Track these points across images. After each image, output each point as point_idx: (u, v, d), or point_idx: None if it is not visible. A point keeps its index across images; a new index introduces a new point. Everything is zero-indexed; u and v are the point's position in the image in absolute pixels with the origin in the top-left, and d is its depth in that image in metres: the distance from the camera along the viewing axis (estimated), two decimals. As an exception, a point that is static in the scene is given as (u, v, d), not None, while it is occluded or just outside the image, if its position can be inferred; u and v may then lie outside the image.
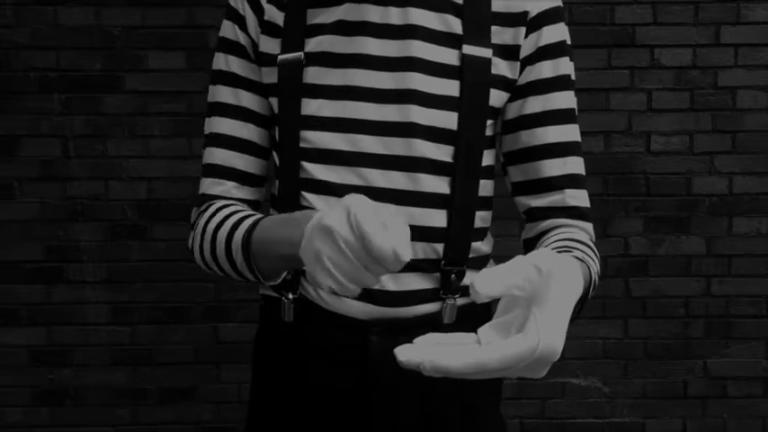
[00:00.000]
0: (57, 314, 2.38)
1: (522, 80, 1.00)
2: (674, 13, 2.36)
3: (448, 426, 1.02)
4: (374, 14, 0.97)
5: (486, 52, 0.97)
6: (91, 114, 2.34)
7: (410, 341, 0.66)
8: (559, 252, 0.89)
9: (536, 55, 0.99)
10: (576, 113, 1.03)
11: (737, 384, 2.45)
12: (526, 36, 0.99)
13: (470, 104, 0.97)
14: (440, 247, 0.98)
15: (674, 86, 2.38)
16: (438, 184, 0.97)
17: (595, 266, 0.91)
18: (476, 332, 0.68)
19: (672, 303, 2.43)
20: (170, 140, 2.35)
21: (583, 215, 1.02)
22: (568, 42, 1.02)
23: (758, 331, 2.43)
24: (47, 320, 2.38)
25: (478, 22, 0.98)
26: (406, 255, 0.69)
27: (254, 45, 1.01)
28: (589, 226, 1.02)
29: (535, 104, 1.00)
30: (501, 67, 0.99)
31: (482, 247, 1.04)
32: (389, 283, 0.97)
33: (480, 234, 1.04)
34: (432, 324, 0.96)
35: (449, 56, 0.97)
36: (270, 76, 1.01)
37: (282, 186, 1.01)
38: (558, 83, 1.00)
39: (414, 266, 0.97)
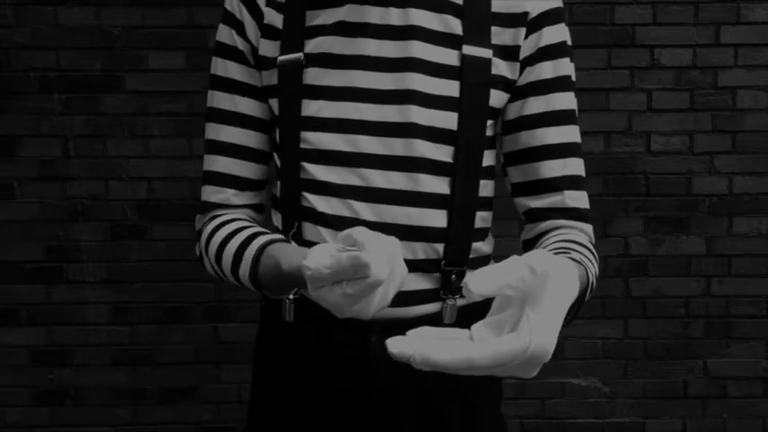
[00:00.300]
0: (57, 314, 2.38)
1: (523, 81, 1.00)
2: (674, 13, 2.36)
3: (447, 425, 1.02)
4: (374, 15, 0.97)
5: (486, 53, 0.97)
6: (91, 114, 2.34)
7: None
8: (557, 254, 0.89)
9: (536, 56, 0.99)
10: (577, 114, 1.03)
11: (737, 384, 2.45)
12: (526, 37, 0.99)
13: (470, 105, 0.97)
14: (440, 247, 0.99)
15: (674, 86, 2.38)
16: (438, 185, 0.97)
17: (593, 268, 0.91)
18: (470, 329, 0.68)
19: (672, 303, 2.43)
20: (170, 140, 2.35)
21: (582, 216, 1.02)
22: (569, 43, 1.02)
23: (758, 331, 2.43)
24: (47, 320, 2.38)
25: (478, 22, 0.98)
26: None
27: (254, 50, 1.01)
28: (588, 227, 1.02)
29: (535, 105, 1.00)
30: (501, 68, 0.99)
31: (483, 247, 1.04)
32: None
33: (481, 234, 1.04)
34: (432, 324, 0.95)
35: (449, 56, 0.97)
36: (270, 78, 1.01)
37: (283, 187, 1.02)
38: (559, 84, 1.00)
39: (414, 266, 0.97)
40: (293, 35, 0.99)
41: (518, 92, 1.01)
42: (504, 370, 0.64)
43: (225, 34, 1.03)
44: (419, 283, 0.99)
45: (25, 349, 2.39)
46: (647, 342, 2.44)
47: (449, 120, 0.97)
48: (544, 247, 0.95)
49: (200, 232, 1.06)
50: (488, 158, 1.02)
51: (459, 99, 0.97)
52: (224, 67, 1.03)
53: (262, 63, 1.01)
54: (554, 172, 1.01)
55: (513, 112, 1.02)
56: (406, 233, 0.96)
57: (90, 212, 2.36)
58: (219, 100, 1.04)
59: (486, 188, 1.02)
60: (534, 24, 0.98)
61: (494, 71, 0.98)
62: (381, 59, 0.96)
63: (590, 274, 0.87)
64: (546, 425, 2.45)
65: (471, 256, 1.01)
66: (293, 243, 0.96)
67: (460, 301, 0.99)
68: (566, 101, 1.01)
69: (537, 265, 0.64)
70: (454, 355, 0.63)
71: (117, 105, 2.34)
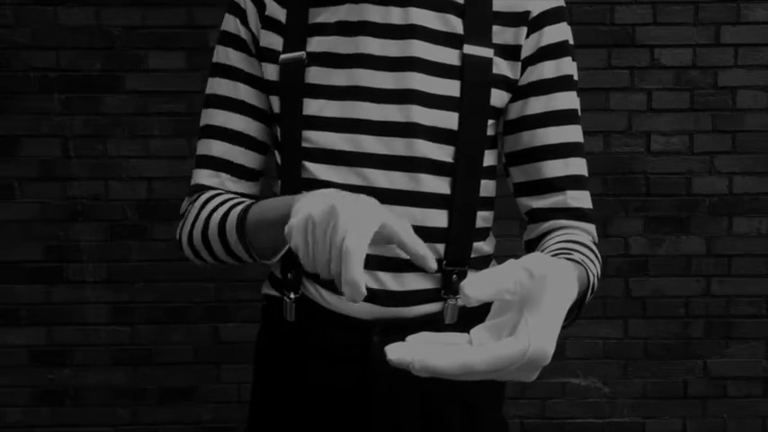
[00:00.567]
0: (57, 314, 2.38)
1: (524, 80, 1.00)
2: (674, 13, 2.36)
3: (448, 426, 1.02)
4: (375, 14, 0.97)
5: (487, 52, 0.97)
6: (91, 114, 2.34)
7: None
8: (558, 255, 0.89)
9: (537, 55, 0.99)
10: (579, 114, 1.03)
11: (737, 384, 2.45)
12: (527, 36, 0.98)
13: (471, 104, 0.97)
14: (441, 247, 0.98)
15: (674, 86, 2.38)
16: (439, 185, 0.97)
17: (595, 269, 0.91)
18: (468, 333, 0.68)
19: (672, 303, 2.43)
20: (170, 140, 2.35)
21: (585, 216, 1.01)
22: (571, 42, 1.01)
23: (758, 331, 2.43)
24: (47, 320, 2.38)
25: (480, 21, 0.98)
26: (359, 297, 0.69)
27: (255, 39, 1.01)
28: (591, 227, 1.02)
29: (537, 105, 1.00)
30: (502, 67, 0.99)
31: (484, 247, 1.04)
32: (391, 282, 0.97)
33: (482, 234, 1.04)
34: (433, 324, 0.96)
35: (450, 56, 0.97)
36: (271, 72, 1.01)
37: (284, 186, 1.01)
38: (560, 83, 1.00)
39: (415, 266, 0.96)
40: (296, 33, 0.99)
41: (519, 91, 1.00)
42: (503, 374, 0.64)
43: (230, 23, 1.03)
44: (420, 282, 0.99)
45: (25, 349, 2.39)
46: (647, 342, 2.44)
47: (450, 119, 0.97)
48: (546, 248, 0.95)
49: (185, 212, 1.04)
50: (489, 158, 1.02)
51: (460, 99, 0.97)
52: (226, 55, 1.03)
53: (263, 54, 1.01)
54: (556, 172, 1.00)
55: (515, 111, 1.01)
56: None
57: (90, 212, 2.36)
58: (220, 86, 1.03)
59: (487, 188, 1.02)
60: (535, 23, 0.98)
61: (495, 71, 0.98)
62: (383, 58, 0.96)
63: (590, 275, 0.87)
64: (546, 425, 2.45)
65: (472, 256, 1.01)
66: None
67: (461, 302, 0.99)
68: (567, 100, 1.01)
69: (534, 268, 0.63)
70: (453, 361, 0.62)
71: (117, 105, 2.34)
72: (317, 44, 0.98)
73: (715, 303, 2.43)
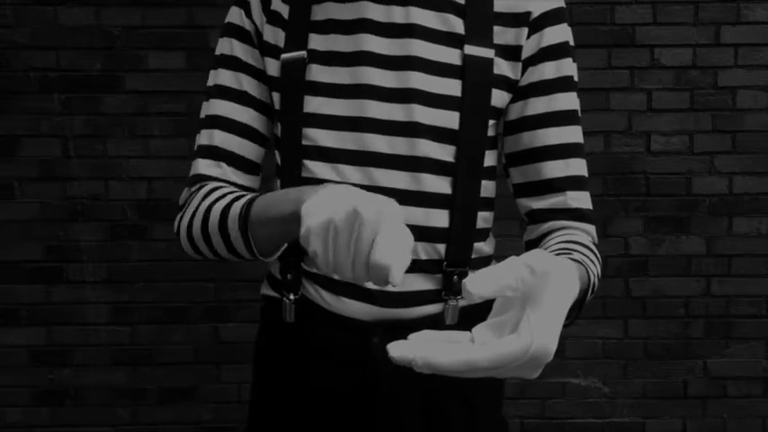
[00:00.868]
0: (57, 314, 2.38)
1: (525, 81, 1.00)
2: (674, 13, 2.36)
3: (449, 426, 1.02)
4: (377, 13, 0.97)
5: (488, 52, 0.97)
6: (91, 114, 2.34)
7: None
8: (559, 254, 0.89)
9: (538, 56, 0.99)
10: (579, 115, 1.03)
11: (737, 384, 2.45)
12: (528, 37, 0.98)
13: (472, 104, 0.97)
14: (442, 247, 0.98)
15: (674, 86, 2.38)
16: (440, 185, 0.97)
17: (595, 269, 0.90)
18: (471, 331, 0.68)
19: (672, 303, 2.43)
20: (170, 140, 2.35)
21: (585, 217, 1.01)
22: (571, 44, 1.01)
23: (758, 331, 2.43)
24: (47, 320, 2.38)
25: (480, 22, 0.98)
26: (397, 279, 0.69)
27: (259, 33, 1.01)
28: (591, 228, 1.02)
29: (537, 106, 1.00)
30: (503, 68, 0.98)
31: (484, 247, 1.04)
32: (391, 283, 0.97)
33: (482, 235, 1.04)
34: (434, 325, 0.95)
35: (450, 55, 0.97)
36: (273, 68, 1.01)
37: (284, 186, 1.01)
38: (561, 84, 1.00)
39: (416, 267, 0.97)
40: (298, 30, 0.99)
41: (520, 92, 1.00)
42: (506, 371, 0.64)
43: (235, 15, 1.03)
44: (421, 283, 0.98)
45: (25, 349, 2.39)
46: (647, 342, 2.44)
47: (451, 119, 0.96)
48: (546, 248, 0.95)
49: (185, 203, 1.02)
50: (490, 159, 1.02)
51: (461, 99, 0.96)
52: (230, 46, 1.02)
53: (265, 49, 1.01)
54: (556, 173, 1.00)
55: (515, 112, 1.01)
56: (409, 234, 0.95)
57: (90, 212, 2.36)
58: (224, 77, 1.02)
59: (487, 188, 1.02)
60: (536, 24, 0.98)
61: (496, 71, 0.98)
62: (384, 57, 0.96)
63: (591, 275, 0.87)
64: (546, 425, 2.45)
65: (473, 257, 1.01)
66: None
67: (462, 302, 0.99)
68: (568, 101, 1.01)
69: (536, 264, 0.63)
70: (455, 358, 0.62)
71: (117, 105, 2.34)
72: (318, 42, 0.98)
73: (715, 303, 2.43)
